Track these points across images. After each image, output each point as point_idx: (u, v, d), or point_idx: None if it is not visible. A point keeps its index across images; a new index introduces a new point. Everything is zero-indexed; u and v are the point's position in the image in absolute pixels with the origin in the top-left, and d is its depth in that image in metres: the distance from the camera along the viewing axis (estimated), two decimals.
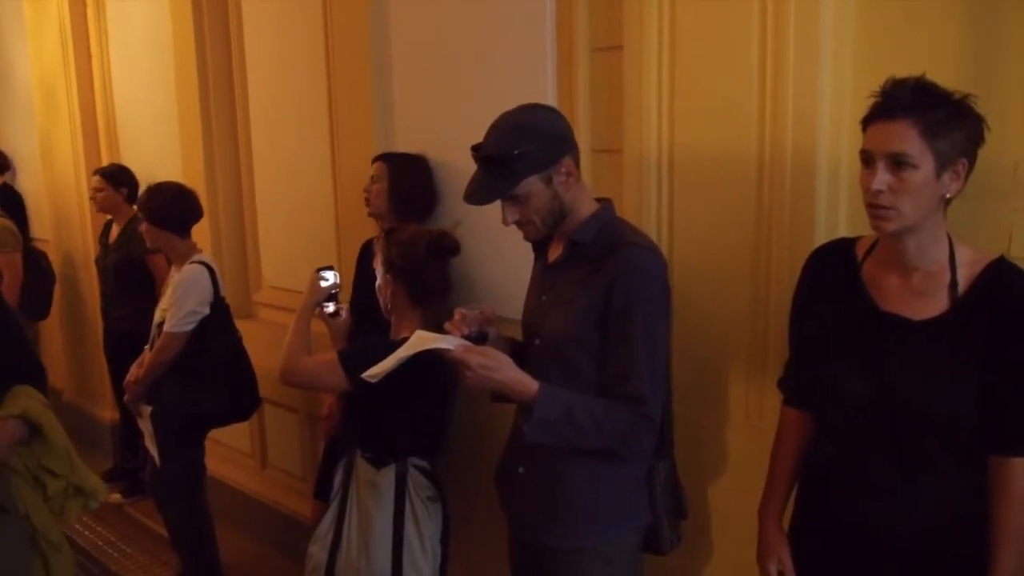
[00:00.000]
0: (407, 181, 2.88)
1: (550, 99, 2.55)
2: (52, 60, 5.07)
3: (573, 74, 2.48)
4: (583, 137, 2.45)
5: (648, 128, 2.23)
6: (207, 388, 3.27)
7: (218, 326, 3.30)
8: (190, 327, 3.20)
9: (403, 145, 3.04)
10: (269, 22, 3.76)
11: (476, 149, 1.87)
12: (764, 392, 2.06)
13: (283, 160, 3.80)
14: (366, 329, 2.75)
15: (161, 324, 3.26)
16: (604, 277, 1.82)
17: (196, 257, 3.33)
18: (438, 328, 1.94)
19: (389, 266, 2.41)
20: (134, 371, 3.38)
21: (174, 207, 3.30)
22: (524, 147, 1.80)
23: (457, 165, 2.84)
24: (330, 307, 2.68)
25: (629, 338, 1.79)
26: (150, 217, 3.29)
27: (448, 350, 1.76)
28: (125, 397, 3.46)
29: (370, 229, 3.10)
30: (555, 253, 1.98)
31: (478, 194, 1.85)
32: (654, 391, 1.81)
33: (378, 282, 2.48)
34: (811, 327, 1.72)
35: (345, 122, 3.30)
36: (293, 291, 3.88)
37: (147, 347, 3.47)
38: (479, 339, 1.88)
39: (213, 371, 3.27)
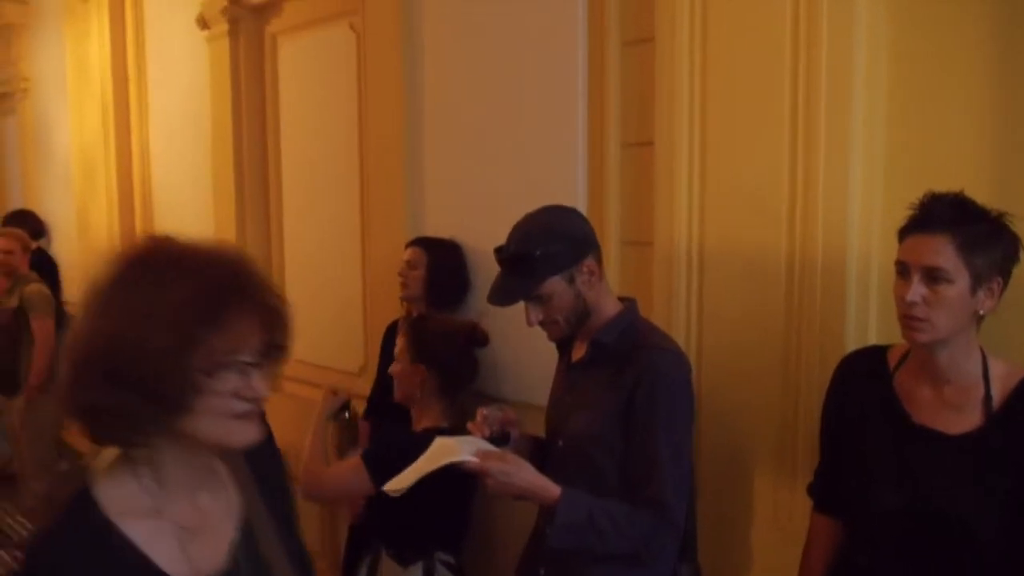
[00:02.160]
0: (445, 270, 2.90)
1: (580, 189, 2.59)
2: (93, 132, 5.23)
3: (604, 166, 2.52)
4: (612, 229, 2.48)
5: (679, 221, 2.26)
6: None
7: None
8: None
9: (433, 227, 3.08)
10: (304, 101, 3.87)
11: (499, 251, 1.90)
12: (793, 493, 2.03)
13: (313, 236, 3.87)
14: (385, 412, 2.76)
15: None
16: (627, 380, 1.82)
17: None
18: (462, 424, 1.95)
19: (421, 355, 2.40)
20: None
21: None
22: (546, 248, 1.82)
23: (486, 249, 2.85)
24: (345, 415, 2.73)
25: (652, 443, 1.79)
26: None
27: (468, 461, 1.76)
28: None
29: (397, 309, 3.12)
30: (579, 352, 1.99)
31: (501, 295, 1.88)
32: (677, 496, 1.80)
33: (395, 367, 2.45)
34: (843, 436, 1.71)
35: (376, 202, 3.36)
36: (318, 366, 3.91)
37: None
38: (501, 440, 1.89)
39: None
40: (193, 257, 1.10)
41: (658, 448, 1.78)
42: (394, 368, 2.45)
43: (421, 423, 2.38)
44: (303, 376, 4.01)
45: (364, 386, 3.35)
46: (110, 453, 1.19)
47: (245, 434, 1.13)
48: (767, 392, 2.09)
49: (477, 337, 2.47)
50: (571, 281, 1.86)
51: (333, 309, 3.77)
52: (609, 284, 2.00)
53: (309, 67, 3.82)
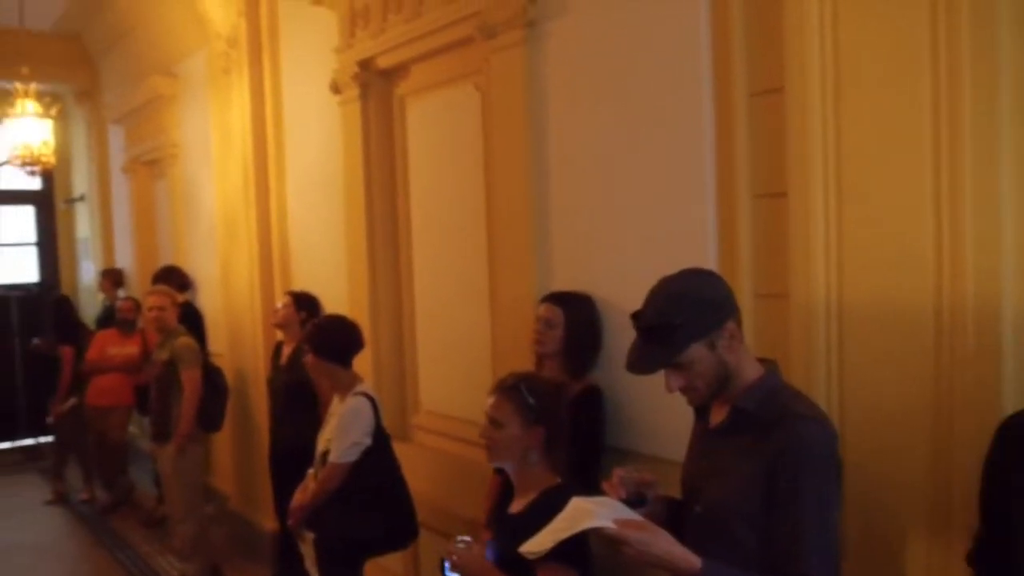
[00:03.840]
0: (582, 326, 2.91)
1: (711, 241, 2.57)
2: (234, 193, 5.53)
3: (735, 218, 2.49)
4: (745, 281, 2.44)
5: (815, 274, 2.20)
6: (366, 516, 3.35)
7: (378, 455, 3.42)
8: (354, 458, 3.33)
9: (562, 281, 3.11)
10: (431, 158, 4.00)
11: (636, 317, 1.88)
12: (948, 566, 1.92)
13: (442, 291, 3.96)
14: None
15: (325, 453, 3.40)
16: (769, 449, 1.77)
17: (359, 388, 3.49)
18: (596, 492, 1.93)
19: (541, 416, 2.33)
20: (299, 496, 3.53)
21: (340, 340, 3.50)
22: (687, 314, 1.80)
23: (616, 302, 2.87)
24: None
25: (797, 516, 1.72)
26: (316, 350, 3.47)
27: (606, 528, 1.74)
28: (288, 521, 3.59)
29: (528, 362, 3.14)
30: (718, 416, 1.94)
31: (642, 363, 1.86)
32: (825, 572, 1.73)
33: (499, 434, 2.34)
34: (1008, 504, 1.61)
35: (504, 256, 3.41)
36: (449, 416, 3.98)
37: (310, 471, 3.63)
38: (637, 503, 1.86)
39: (373, 500, 3.37)
40: None
41: (804, 522, 1.72)
42: (498, 435, 2.34)
43: (536, 485, 2.35)
44: (434, 427, 4.10)
45: None
46: None
47: None
48: (917, 456, 1.99)
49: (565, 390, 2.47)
50: (712, 347, 1.82)
51: (463, 362, 3.84)
52: (748, 346, 1.96)
53: (436, 126, 3.95)
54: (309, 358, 3.52)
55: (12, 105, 6.25)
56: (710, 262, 2.53)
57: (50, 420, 7.07)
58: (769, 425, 1.80)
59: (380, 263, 4.28)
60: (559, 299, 2.98)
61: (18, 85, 6.26)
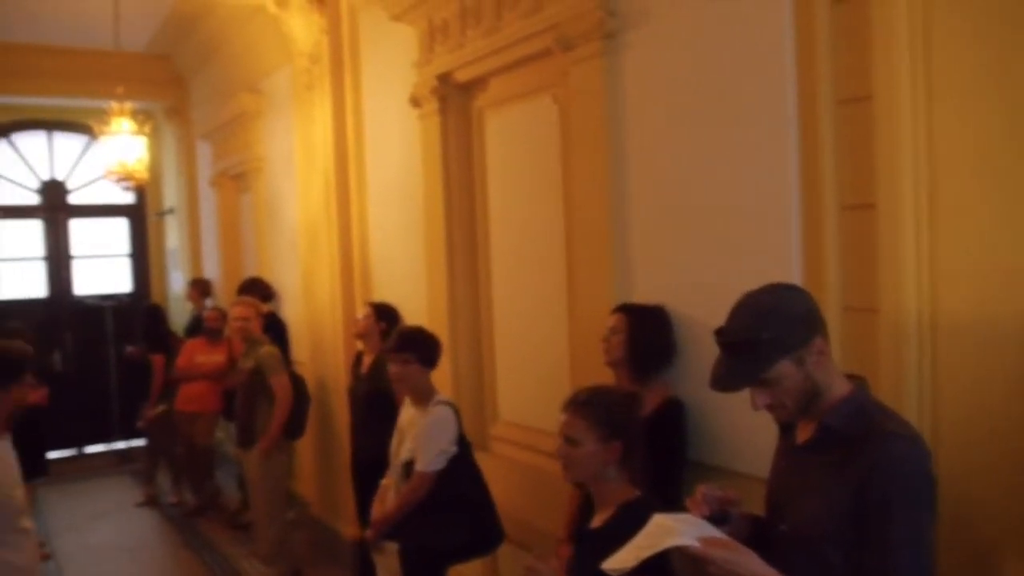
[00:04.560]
0: (647, 334, 2.90)
1: (795, 253, 2.52)
2: (316, 205, 5.66)
3: (821, 230, 2.43)
4: (832, 294, 2.38)
5: (906, 287, 2.14)
6: (452, 524, 3.40)
7: (463, 463, 3.47)
8: (441, 466, 3.38)
9: (642, 293, 3.09)
10: (509, 170, 4.02)
11: (720, 333, 1.85)
12: None
13: (520, 301, 3.98)
14: None
15: (409, 463, 3.45)
16: (859, 468, 1.72)
17: (440, 398, 3.54)
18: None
19: (617, 431, 2.30)
20: (378, 508, 3.58)
21: (435, 348, 3.59)
22: (772, 331, 1.77)
23: (696, 315, 2.84)
24: None
25: (889, 539, 1.67)
26: (420, 358, 3.52)
27: (690, 546, 1.71)
28: (367, 533, 3.64)
29: (605, 374, 3.13)
30: (804, 433, 1.90)
31: (726, 380, 1.83)
32: None
33: (575, 452, 2.31)
34: None
35: (582, 268, 3.41)
36: (528, 427, 3.99)
37: (383, 480, 3.69)
38: (720, 520, 1.83)
39: (458, 507, 3.41)
40: None
41: (895, 544, 1.67)
42: (574, 453, 2.31)
43: (615, 499, 2.33)
44: (512, 438, 4.11)
45: None
46: None
47: None
48: (1014, 475, 1.92)
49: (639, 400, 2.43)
50: (800, 363, 1.79)
51: (541, 373, 3.84)
52: (835, 362, 1.91)
53: (514, 138, 3.97)
54: (399, 367, 3.55)
55: (108, 123, 6.52)
56: (794, 275, 2.48)
57: (140, 424, 7.34)
58: (858, 443, 1.75)
59: (459, 274, 4.32)
60: (626, 309, 2.99)
61: (114, 104, 6.53)
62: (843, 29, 2.37)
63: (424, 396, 3.55)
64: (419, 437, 3.44)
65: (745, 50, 2.67)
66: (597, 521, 2.36)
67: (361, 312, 4.83)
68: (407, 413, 3.66)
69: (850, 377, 1.89)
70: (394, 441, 3.74)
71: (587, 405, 2.33)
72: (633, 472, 2.35)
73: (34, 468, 5.98)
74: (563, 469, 2.37)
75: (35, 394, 5.22)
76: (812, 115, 2.45)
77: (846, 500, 1.73)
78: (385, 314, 4.66)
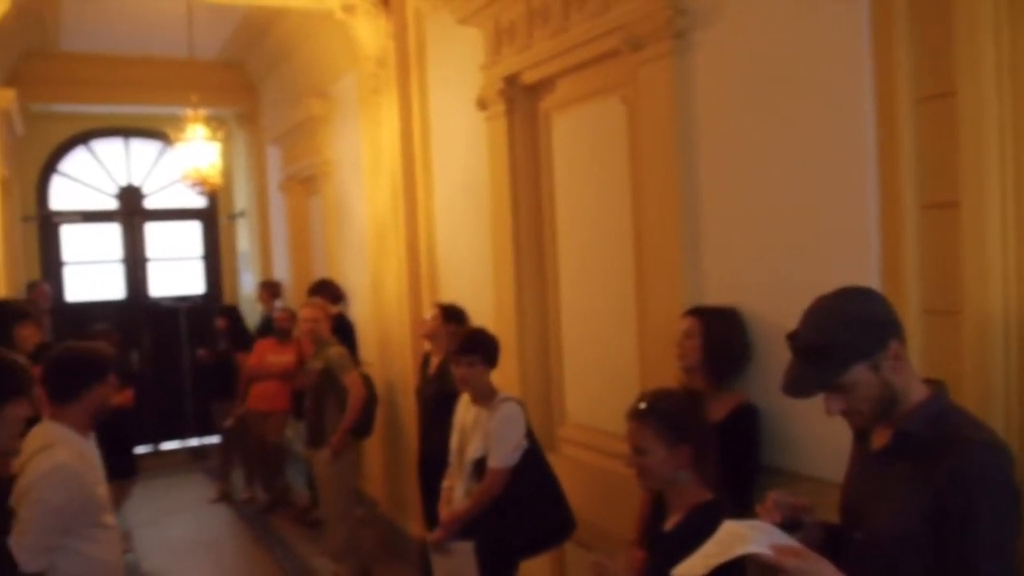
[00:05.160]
0: (722, 338, 2.87)
1: (873, 254, 2.46)
2: (384, 207, 5.74)
3: (900, 230, 2.37)
4: (912, 296, 2.32)
5: (993, 288, 2.08)
6: (525, 517, 3.47)
7: (533, 456, 3.55)
8: (515, 461, 3.47)
9: (714, 295, 3.05)
10: (576, 172, 4.01)
11: (792, 338, 1.81)
12: None
13: (588, 303, 3.97)
14: None
15: (479, 461, 3.48)
16: (938, 475, 1.67)
17: (506, 395, 3.61)
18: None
19: (684, 435, 2.27)
20: (446, 510, 3.62)
21: (494, 347, 3.66)
22: (846, 335, 1.73)
23: (770, 318, 2.80)
24: None
25: (969, 550, 1.62)
26: (485, 357, 3.61)
27: (762, 554, 1.68)
28: (435, 534, 3.67)
29: (676, 377, 3.10)
30: (880, 439, 1.85)
31: (799, 385, 1.79)
32: None
33: (644, 460, 2.28)
34: None
35: (652, 270, 3.38)
36: (596, 429, 3.98)
37: (445, 482, 3.73)
38: (792, 527, 1.79)
39: (530, 499, 3.49)
40: None
41: (976, 556, 1.62)
42: (644, 462, 2.28)
43: (687, 501, 2.30)
44: (580, 439, 4.10)
45: None
46: None
47: None
48: None
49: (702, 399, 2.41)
50: (876, 368, 1.74)
51: (610, 374, 3.83)
52: (913, 366, 1.86)
53: (581, 139, 3.96)
54: (465, 369, 3.60)
55: (183, 130, 6.71)
56: (872, 276, 2.42)
57: (228, 423, 7.47)
58: (937, 450, 1.70)
59: (526, 275, 4.33)
60: (700, 312, 2.96)
61: (188, 111, 6.72)
62: (923, 21, 2.30)
63: (487, 395, 3.62)
64: (491, 435, 3.51)
65: (819, 46, 2.62)
66: (669, 524, 2.35)
67: (428, 313, 4.88)
68: (468, 412, 3.70)
69: (928, 382, 1.83)
70: (454, 441, 3.77)
71: (649, 413, 2.30)
72: (706, 474, 2.32)
73: (124, 468, 6.25)
74: (637, 478, 2.36)
75: (121, 395, 5.42)
76: (890, 112, 2.39)
77: (924, 508, 1.68)
78: (453, 315, 4.69)
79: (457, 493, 3.69)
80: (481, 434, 3.57)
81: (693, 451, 2.28)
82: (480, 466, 3.54)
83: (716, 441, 2.37)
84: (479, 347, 3.62)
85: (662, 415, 2.28)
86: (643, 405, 2.32)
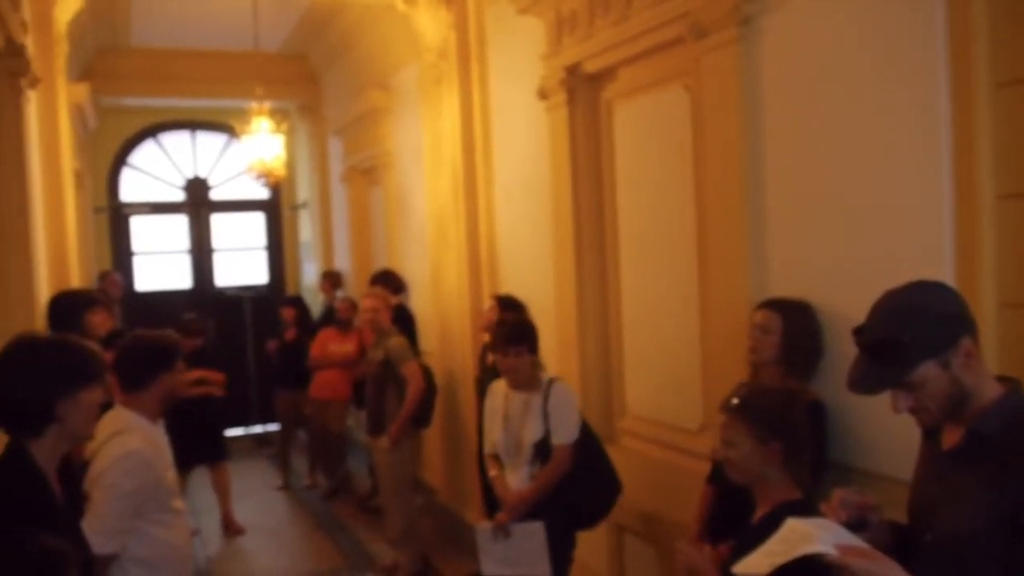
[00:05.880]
0: (801, 334, 2.80)
1: (947, 246, 2.38)
2: (444, 197, 5.76)
3: (975, 221, 2.30)
4: (988, 289, 2.25)
5: None
6: (587, 489, 3.60)
7: (584, 429, 3.70)
8: (577, 435, 3.61)
9: (780, 287, 2.99)
10: (639, 161, 3.98)
11: (859, 333, 1.76)
12: None
13: (649, 294, 3.93)
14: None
15: (539, 442, 3.56)
16: (1014, 478, 1.61)
17: (550, 375, 3.76)
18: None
19: (776, 431, 2.22)
20: (508, 492, 3.64)
21: (536, 335, 3.77)
22: (915, 331, 1.67)
23: (838, 311, 2.73)
24: None
25: None
26: (529, 345, 3.69)
27: (827, 554, 1.63)
28: (500, 516, 3.69)
29: (739, 371, 3.05)
30: (951, 438, 1.78)
31: (867, 382, 1.74)
32: None
33: (732, 453, 2.26)
34: None
35: (715, 261, 3.33)
36: (657, 422, 3.94)
37: (491, 472, 3.78)
38: (858, 526, 1.74)
39: (587, 469, 3.60)
40: None
41: None
42: (732, 454, 2.26)
43: (773, 498, 2.26)
44: (641, 432, 4.07)
45: (704, 444, 3.33)
46: None
47: None
48: None
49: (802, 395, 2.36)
50: (946, 366, 1.68)
51: (670, 367, 3.79)
52: (986, 363, 1.79)
53: (644, 129, 3.92)
54: (514, 359, 3.65)
55: (249, 123, 6.83)
56: (946, 268, 2.35)
57: (308, 411, 7.61)
58: (1011, 450, 1.64)
59: (587, 266, 4.31)
60: (776, 305, 2.87)
61: (253, 104, 6.83)
62: (1002, 3, 2.22)
63: (530, 380, 3.70)
64: (552, 414, 3.60)
65: (892, 32, 2.54)
66: (755, 518, 2.31)
67: (487, 304, 4.88)
68: (510, 398, 3.72)
69: (1002, 379, 1.76)
70: (498, 430, 3.77)
71: (744, 407, 2.27)
72: (799, 474, 2.27)
73: (214, 451, 6.50)
74: (725, 470, 2.33)
75: (214, 380, 5.66)
76: (967, 99, 2.31)
77: (999, 512, 1.62)
78: (510, 307, 4.70)
79: (515, 478, 3.70)
80: (536, 416, 3.61)
81: (784, 449, 2.23)
82: (540, 448, 3.59)
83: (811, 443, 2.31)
84: (525, 336, 3.70)
85: (755, 411, 2.25)
86: (738, 399, 2.30)
